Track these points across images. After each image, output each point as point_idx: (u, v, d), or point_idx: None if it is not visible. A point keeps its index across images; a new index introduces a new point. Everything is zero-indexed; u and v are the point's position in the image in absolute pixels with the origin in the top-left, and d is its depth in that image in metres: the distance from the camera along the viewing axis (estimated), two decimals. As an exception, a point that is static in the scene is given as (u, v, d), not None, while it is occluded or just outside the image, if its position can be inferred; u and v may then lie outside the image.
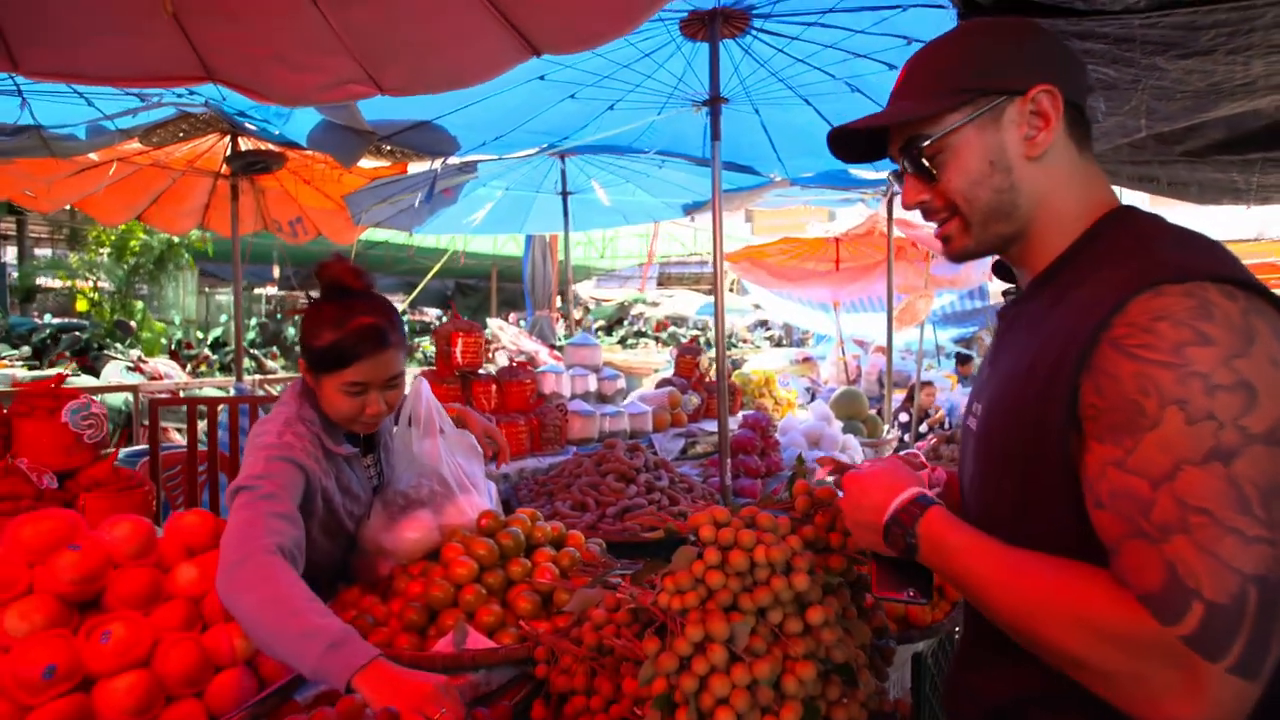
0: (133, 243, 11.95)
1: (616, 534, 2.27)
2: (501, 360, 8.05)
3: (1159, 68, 1.83)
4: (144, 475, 2.02)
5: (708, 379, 4.08)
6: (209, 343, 13.11)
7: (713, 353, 5.31)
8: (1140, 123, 2.20)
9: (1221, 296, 0.74)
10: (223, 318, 15.13)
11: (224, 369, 11.71)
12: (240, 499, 1.41)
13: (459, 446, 2.02)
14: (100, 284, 12.12)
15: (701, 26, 2.70)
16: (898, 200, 5.26)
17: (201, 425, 3.68)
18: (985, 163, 0.91)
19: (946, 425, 6.22)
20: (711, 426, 3.83)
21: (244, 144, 4.39)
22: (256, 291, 14.78)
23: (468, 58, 2.14)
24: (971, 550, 0.86)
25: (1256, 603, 0.67)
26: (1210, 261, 0.78)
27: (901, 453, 1.62)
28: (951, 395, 7.06)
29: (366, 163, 3.94)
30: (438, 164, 3.72)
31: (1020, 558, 0.83)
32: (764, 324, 19.68)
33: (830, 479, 1.22)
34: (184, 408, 3.77)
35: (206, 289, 15.16)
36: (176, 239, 11.81)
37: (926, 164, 0.94)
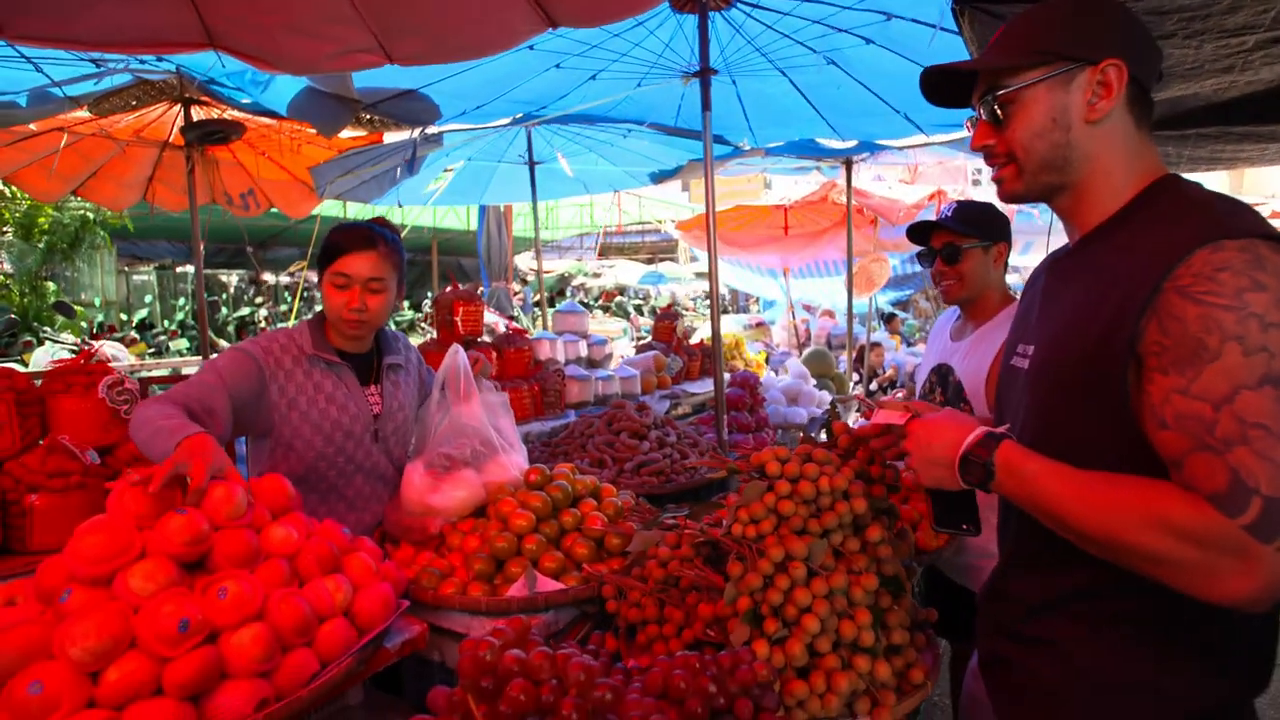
0: (41, 220, 11.13)
1: (637, 486, 2.41)
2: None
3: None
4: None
5: (686, 343, 4.23)
6: (134, 325, 12.44)
7: (687, 319, 5.44)
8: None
9: (1270, 250, 0.90)
10: (147, 298, 14.34)
11: (155, 353, 11.16)
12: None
13: (494, 407, 2.10)
14: (2, 265, 11.25)
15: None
16: (856, 168, 5.50)
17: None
18: (1049, 119, 1.06)
19: (898, 383, 6.58)
20: (693, 388, 4.00)
21: (198, 113, 4.22)
22: (184, 269, 14.03)
23: (485, 30, 2.16)
24: (1047, 473, 0.99)
25: None
26: (1257, 222, 0.94)
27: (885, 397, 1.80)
28: (897, 355, 7.45)
29: (343, 133, 3.86)
30: (416, 133, 3.68)
31: (1092, 477, 0.97)
32: (708, 294, 19.96)
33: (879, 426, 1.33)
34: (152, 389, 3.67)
35: (125, 268, 14.30)
36: (92, 215, 11.07)
37: (998, 111, 1.07)
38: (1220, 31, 1.97)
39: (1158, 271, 0.93)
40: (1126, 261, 1.00)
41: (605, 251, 20.82)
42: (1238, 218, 0.95)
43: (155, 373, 6.15)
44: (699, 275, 17.94)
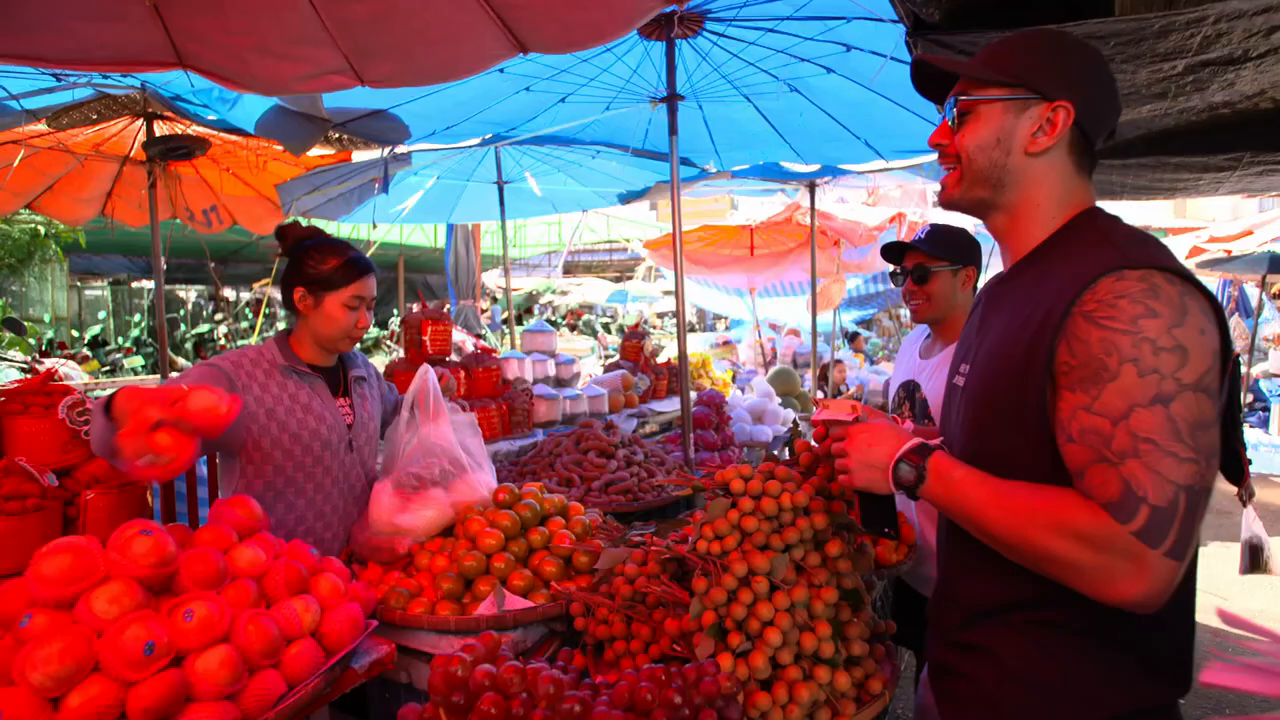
0: (-13, 233, 10.78)
1: (605, 505, 2.43)
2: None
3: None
4: (135, 471, 1.99)
5: (653, 362, 4.27)
6: (86, 342, 12.07)
7: (655, 337, 5.50)
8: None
9: (1165, 281, 0.99)
10: (100, 314, 13.93)
11: (108, 371, 10.83)
12: None
13: (462, 427, 2.12)
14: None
15: (659, 26, 2.86)
16: (819, 191, 5.65)
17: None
18: (994, 136, 1.13)
19: (862, 401, 6.70)
20: (660, 406, 4.04)
21: (161, 128, 4.17)
22: (140, 285, 13.67)
23: (456, 53, 2.20)
24: (971, 481, 1.08)
25: (1184, 504, 0.91)
26: (1158, 255, 1.03)
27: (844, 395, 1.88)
28: (860, 373, 7.60)
29: (311, 151, 3.85)
30: (387, 152, 3.69)
31: (1008, 485, 1.05)
32: (674, 313, 20.08)
33: (824, 421, 1.39)
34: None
35: (78, 283, 13.88)
36: (43, 229, 10.75)
37: (956, 114, 1.15)
38: (1153, 56, 2.08)
39: (1068, 296, 1.02)
40: (1046, 287, 1.08)
41: (573, 269, 20.87)
42: (1140, 250, 1.03)
43: (109, 392, 5.97)
44: (666, 293, 18.08)
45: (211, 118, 3.46)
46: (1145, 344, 0.95)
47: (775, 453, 1.77)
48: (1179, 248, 8.57)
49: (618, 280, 20.44)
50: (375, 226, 5.91)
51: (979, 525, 1.06)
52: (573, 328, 17.96)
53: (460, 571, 1.74)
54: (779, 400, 4.13)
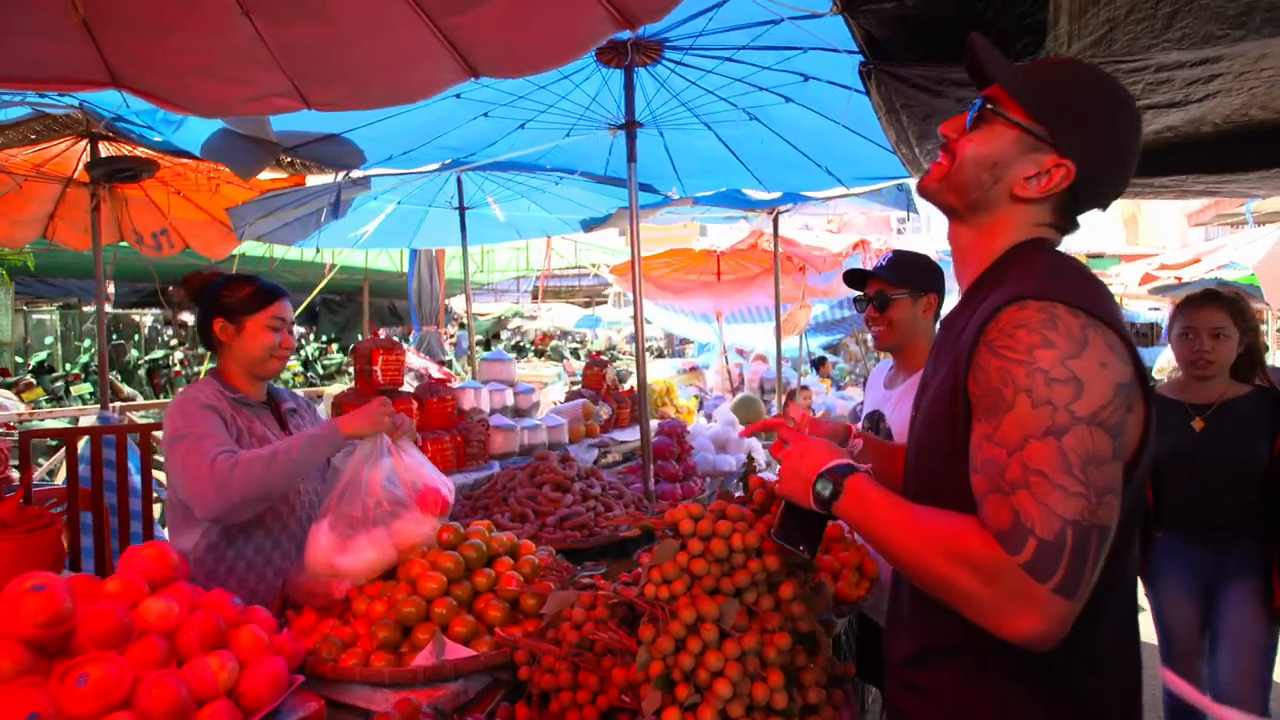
0: (-71, 255, 10.34)
1: (559, 541, 2.35)
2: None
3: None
4: (51, 512, 1.86)
5: (616, 390, 4.21)
6: (30, 368, 11.59)
7: (618, 365, 5.44)
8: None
9: (1067, 313, 0.96)
10: (47, 339, 13.43)
11: (53, 399, 10.41)
12: (181, 448, 1.76)
13: (408, 457, 2.02)
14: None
15: (617, 54, 2.84)
16: (783, 217, 5.68)
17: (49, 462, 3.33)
18: (992, 156, 1.10)
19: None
20: (622, 436, 3.97)
21: (106, 149, 4.04)
22: (87, 309, 13.22)
23: (406, 78, 2.15)
24: (884, 504, 1.06)
25: (1072, 539, 0.89)
26: (1068, 290, 0.99)
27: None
28: (827, 398, 7.62)
29: (263, 175, 3.74)
30: (340, 177, 3.61)
31: (920, 510, 1.04)
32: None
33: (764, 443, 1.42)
34: (32, 441, 3.39)
35: (25, 307, 13.37)
36: (-11, 252, 10.36)
37: (976, 115, 1.11)
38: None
39: (976, 327, 1.01)
40: (969, 320, 1.07)
41: (544, 295, 20.78)
42: (1052, 281, 1.01)
43: (47, 422, 5.71)
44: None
45: (157, 139, 3.35)
46: (1039, 374, 0.93)
47: (729, 488, 1.72)
48: (1132, 275, 8.79)
49: (587, 305, 20.40)
50: (319, 251, 5.78)
51: (887, 549, 1.05)
52: (540, 353, 17.83)
53: (398, 618, 1.64)
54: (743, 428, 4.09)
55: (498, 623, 1.69)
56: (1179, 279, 8.75)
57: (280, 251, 9.03)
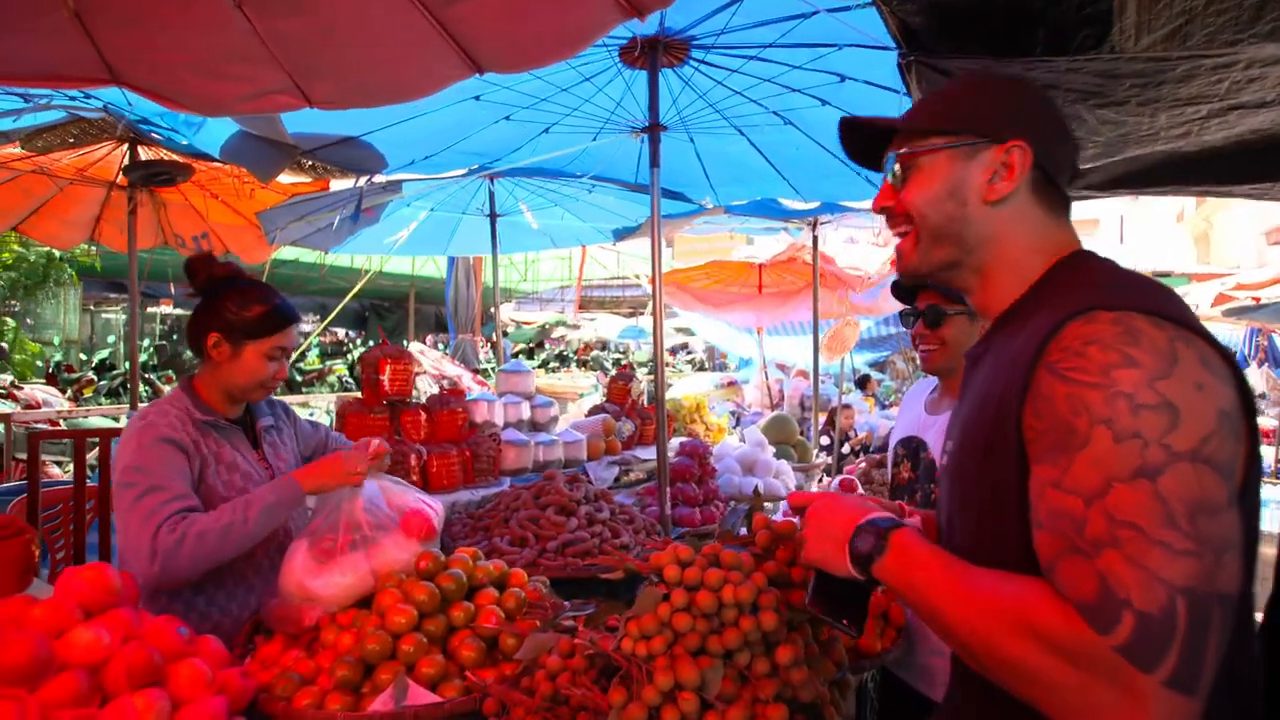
0: (4, 254, 10.88)
1: (558, 569, 2.19)
2: (423, 385, 7.78)
3: (1080, 116, 1.94)
4: (22, 520, 1.79)
5: (641, 405, 4.04)
6: (94, 365, 12.07)
7: (644, 379, 5.30)
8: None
9: (1148, 324, 0.77)
10: (110, 338, 14.00)
11: (111, 395, 10.79)
12: (127, 497, 1.60)
13: (390, 479, 1.90)
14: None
15: (641, 54, 2.70)
16: (825, 229, 5.45)
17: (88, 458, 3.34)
18: (945, 189, 0.97)
19: (871, 448, 6.42)
20: (645, 454, 3.79)
21: (145, 153, 4.09)
22: (150, 310, 13.74)
23: (407, 73, 2.05)
24: (934, 562, 0.86)
25: (1186, 614, 0.69)
26: (1141, 297, 0.82)
27: (837, 478, 1.64)
28: (870, 418, 7.31)
29: (285, 178, 3.73)
30: (362, 182, 3.56)
31: (976, 571, 0.84)
32: (685, 347, 19.90)
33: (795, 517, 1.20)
34: (67, 440, 3.42)
35: (92, 307, 13.97)
36: (59, 253, 10.83)
37: (898, 170, 1.01)
38: (1174, 101, 1.89)
39: (1032, 349, 0.82)
40: (1016, 343, 0.88)
41: (587, 304, 20.79)
42: (1122, 291, 0.83)
43: (92, 420, 5.84)
44: (679, 330, 17.90)
45: (183, 143, 3.35)
46: (1121, 400, 0.74)
47: (730, 526, 1.55)
48: (1204, 295, 8.24)
49: (631, 316, 20.33)
50: (367, 258, 5.78)
51: (938, 618, 0.84)
52: (583, 363, 17.81)
53: (362, 655, 1.50)
54: (773, 450, 3.87)
55: (471, 664, 1.54)
56: (1256, 300, 8.16)
57: (330, 257, 9.19)
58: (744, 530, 1.48)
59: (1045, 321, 0.84)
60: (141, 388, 10.79)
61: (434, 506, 1.88)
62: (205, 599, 1.76)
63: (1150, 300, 0.81)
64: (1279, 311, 7.73)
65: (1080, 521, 0.74)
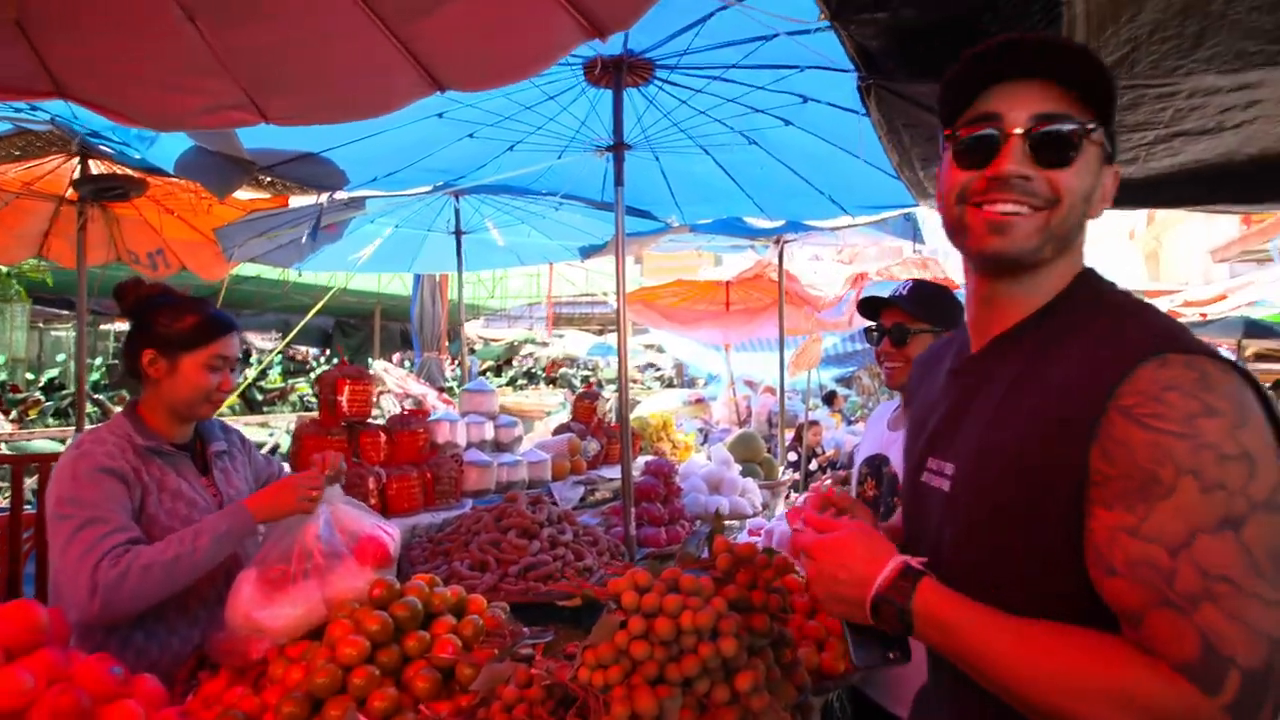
0: (-54, 272, 10.46)
1: (520, 594, 2.14)
2: (386, 404, 7.64)
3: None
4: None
5: (606, 424, 4.01)
6: (41, 385, 11.64)
7: (610, 398, 5.27)
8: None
9: (1217, 370, 0.78)
10: (60, 357, 13.52)
11: (59, 415, 10.40)
12: (64, 530, 1.53)
13: (344, 503, 1.85)
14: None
15: (605, 73, 2.71)
16: (791, 247, 5.50)
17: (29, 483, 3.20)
18: (1090, 184, 0.90)
19: (838, 464, 6.46)
20: (610, 473, 3.76)
21: (97, 166, 3.97)
22: (104, 328, 13.31)
23: (366, 89, 2.01)
24: (977, 625, 0.83)
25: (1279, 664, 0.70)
26: (1188, 334, 0.83)
27: (823, 487, 1.58)
28: (836, 434, 7.36)
29: (243, 194, 3.64)
30: (323, 198, 3.50)
31: (1032, 630, 0.81)
32: (653, 365, 19.91)
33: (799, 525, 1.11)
34: (6, 465, 3.26)
35: (42, 324, 13.49)
36: (6, 268, 10.45)
37: (1071, 143, 0.86)
38: (1121, 126, 1.95)
39: (1100, 387, 0.80)
40: (1057, 369, 0.86)
41: (556, 321, 20.69)
42: (1180, 331, 0.83)
43: (35, 443, 5.61)
44: (647, 347, 17.91)
45: (136, 156, 3.26)
46: (1207, 451, 0.75)
47: (691, 550, 1.53)
48: (1157, 312, 8.52)
49: (600, 333, 20.31)
50: (300, 274, 5.68)
51: (999, 685, 0.81)
52: (551, 381, 17.71)
53: (310, 689, 1.44)
54: (739, 468, 3.86)
55: (426, 696, 1.48)
56: (1204, 316, 8.45)
57: (294, 274, 9.00)
58: (705, 553, 1.46)
59: (1104, 357, 0.82)
60: (91, 408, 10.45)
61: (390, 532, 1.83)
62: (144, 634, 1.67)
63: (1197, 339, 0.82)
64: (1224, 327, 8.01)
65: (1168, 573, 0.73)
